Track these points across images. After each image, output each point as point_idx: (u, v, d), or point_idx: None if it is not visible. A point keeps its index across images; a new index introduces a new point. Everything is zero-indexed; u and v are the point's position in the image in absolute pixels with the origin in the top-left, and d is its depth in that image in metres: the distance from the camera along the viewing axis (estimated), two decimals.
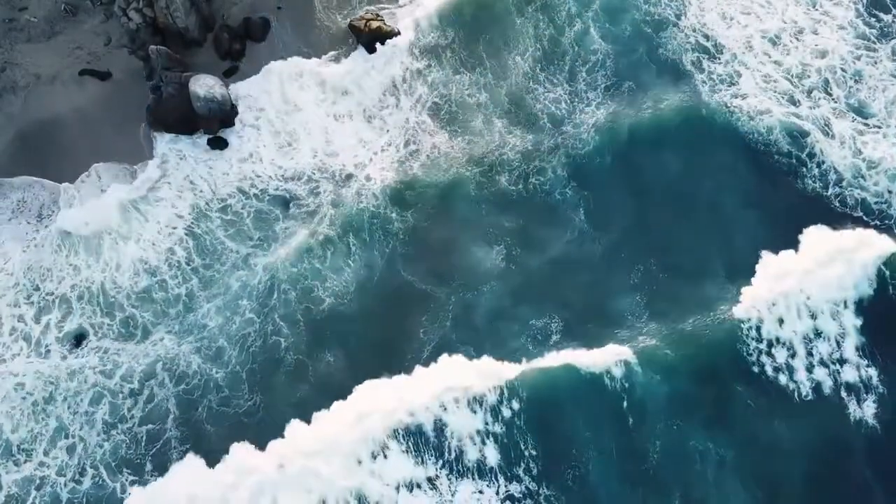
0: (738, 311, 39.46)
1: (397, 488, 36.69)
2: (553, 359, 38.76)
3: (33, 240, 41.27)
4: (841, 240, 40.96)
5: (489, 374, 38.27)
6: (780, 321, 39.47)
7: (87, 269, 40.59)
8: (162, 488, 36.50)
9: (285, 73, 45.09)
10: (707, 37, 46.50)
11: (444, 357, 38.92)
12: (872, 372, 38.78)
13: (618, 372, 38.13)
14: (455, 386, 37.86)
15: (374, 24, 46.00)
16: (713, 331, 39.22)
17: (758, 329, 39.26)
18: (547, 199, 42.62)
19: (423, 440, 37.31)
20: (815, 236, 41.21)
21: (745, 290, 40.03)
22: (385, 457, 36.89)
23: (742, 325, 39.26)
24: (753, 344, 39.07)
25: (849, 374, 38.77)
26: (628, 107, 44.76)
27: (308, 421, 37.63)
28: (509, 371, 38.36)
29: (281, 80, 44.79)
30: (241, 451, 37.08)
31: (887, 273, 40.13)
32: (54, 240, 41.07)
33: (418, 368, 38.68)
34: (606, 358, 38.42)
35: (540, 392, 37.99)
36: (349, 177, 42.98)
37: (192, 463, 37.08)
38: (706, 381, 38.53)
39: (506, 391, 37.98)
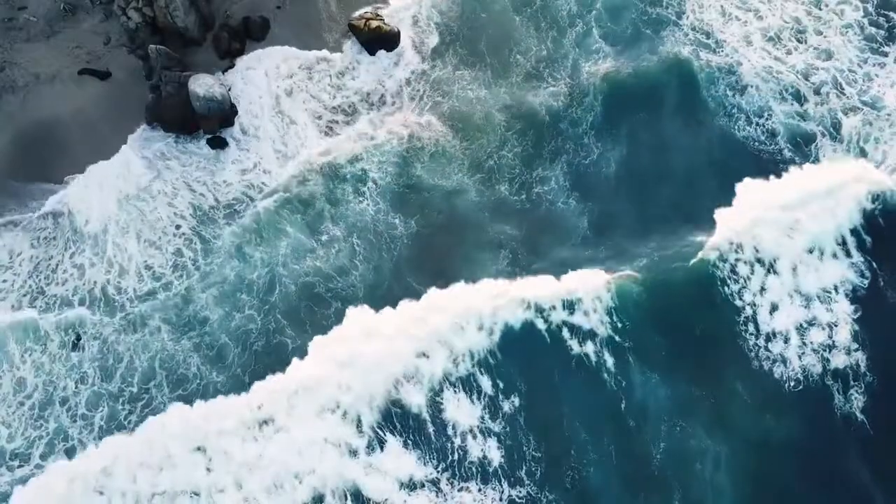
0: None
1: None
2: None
3: (42, 231, 41.16)
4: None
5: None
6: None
7: (91, 269, 40.44)
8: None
9: (280, 64, 45.35)
10: (707, 34, 46.54)
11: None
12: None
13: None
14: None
15: (374, 24, 45.79)
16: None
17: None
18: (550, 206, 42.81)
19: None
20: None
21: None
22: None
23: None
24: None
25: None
26: (628, 105, 44.73)
27: None
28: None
29: (271, 73, 44.99)
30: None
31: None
32: (64, 232, 41.00)
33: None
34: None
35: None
36: (349, 178, 42.81)
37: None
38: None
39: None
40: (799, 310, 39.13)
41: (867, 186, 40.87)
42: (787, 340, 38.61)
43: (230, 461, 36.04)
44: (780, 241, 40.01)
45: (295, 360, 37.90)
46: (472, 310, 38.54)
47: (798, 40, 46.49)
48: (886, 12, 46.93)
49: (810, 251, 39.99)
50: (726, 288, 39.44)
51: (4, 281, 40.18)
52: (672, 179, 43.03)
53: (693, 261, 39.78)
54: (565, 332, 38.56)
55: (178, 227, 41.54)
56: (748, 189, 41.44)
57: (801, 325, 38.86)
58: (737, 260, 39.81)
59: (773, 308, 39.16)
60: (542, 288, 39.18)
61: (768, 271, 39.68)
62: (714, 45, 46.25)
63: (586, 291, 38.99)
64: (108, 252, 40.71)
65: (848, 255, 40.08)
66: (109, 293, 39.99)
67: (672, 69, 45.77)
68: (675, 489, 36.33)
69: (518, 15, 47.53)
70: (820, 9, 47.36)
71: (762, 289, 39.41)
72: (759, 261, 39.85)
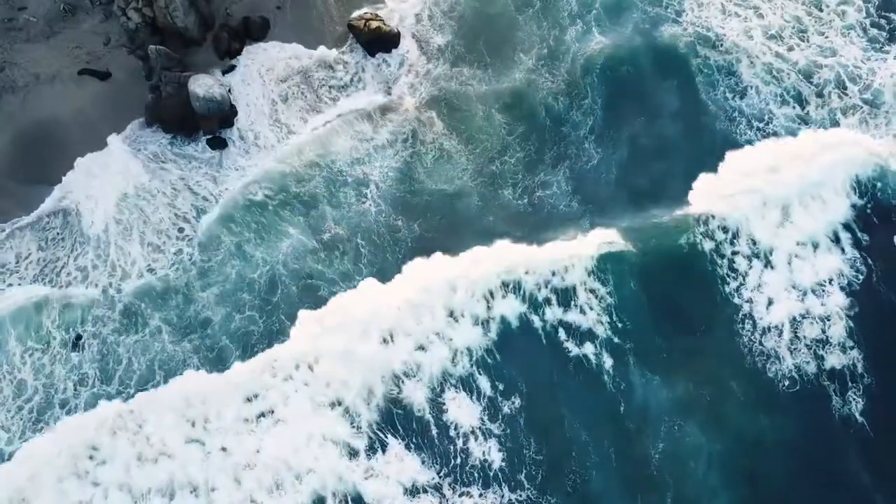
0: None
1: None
2: None
3: (50, 231, 41.11)
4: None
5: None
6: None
7: (95, 271, 40.35)
8: None
9: (279, 63, 45.37)
10: (708, 28, 46.63)
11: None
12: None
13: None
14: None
15: (374, 24, 45.74)
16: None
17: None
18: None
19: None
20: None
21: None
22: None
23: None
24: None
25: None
26: (628, 106, 44.92)
27: None
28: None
29: (270, 71, 45.12)
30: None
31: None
32: (73, 232, 40.91)
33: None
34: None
35: None
36: (350, 181, 42.79)
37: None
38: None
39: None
40: (795, 303, 39.33)
41: (862, 159, 41.65)
42: (780, 335, 38.83)
43: (227, 456, 36.01)
44: (774, 230, 40.46)
45: (286, 343, 38.20)
46: (461, 277, 39.11)
47: (800, 38, 46.47)
48: (887, 13, 46.95)
49: (804, 243, 40.39)
50: (726, 287, 39.69)
51: (10, 285, 40.04)
52: (671, 180, 43.08)
53: (680, 238, 40.32)
54: (561, 332, 38.70)
55: (181, 229, 41.52)
56: (733, 162, 42.33)
57: (795, 319, 39.06)
58: (734, 253, 40.02)
59: (770, 302, 39.42)
60: (530, 251, 39.85)
61: (766, 265, 39.92)
62: (714, 42, 46.27)
63: (577, 260, 39.62)
64: (110, 254, 40.69)
65: (843, 251, 40.37)
66: (111, 293, 39.93)
67: (672, 69, 45.88)
68: (671, 489, 36.41)
69: (519, 14, 47.58)
70: (821, 10, 47.35)
71: (759, 285, 39.66)
72: (755, 255, 40.08)
